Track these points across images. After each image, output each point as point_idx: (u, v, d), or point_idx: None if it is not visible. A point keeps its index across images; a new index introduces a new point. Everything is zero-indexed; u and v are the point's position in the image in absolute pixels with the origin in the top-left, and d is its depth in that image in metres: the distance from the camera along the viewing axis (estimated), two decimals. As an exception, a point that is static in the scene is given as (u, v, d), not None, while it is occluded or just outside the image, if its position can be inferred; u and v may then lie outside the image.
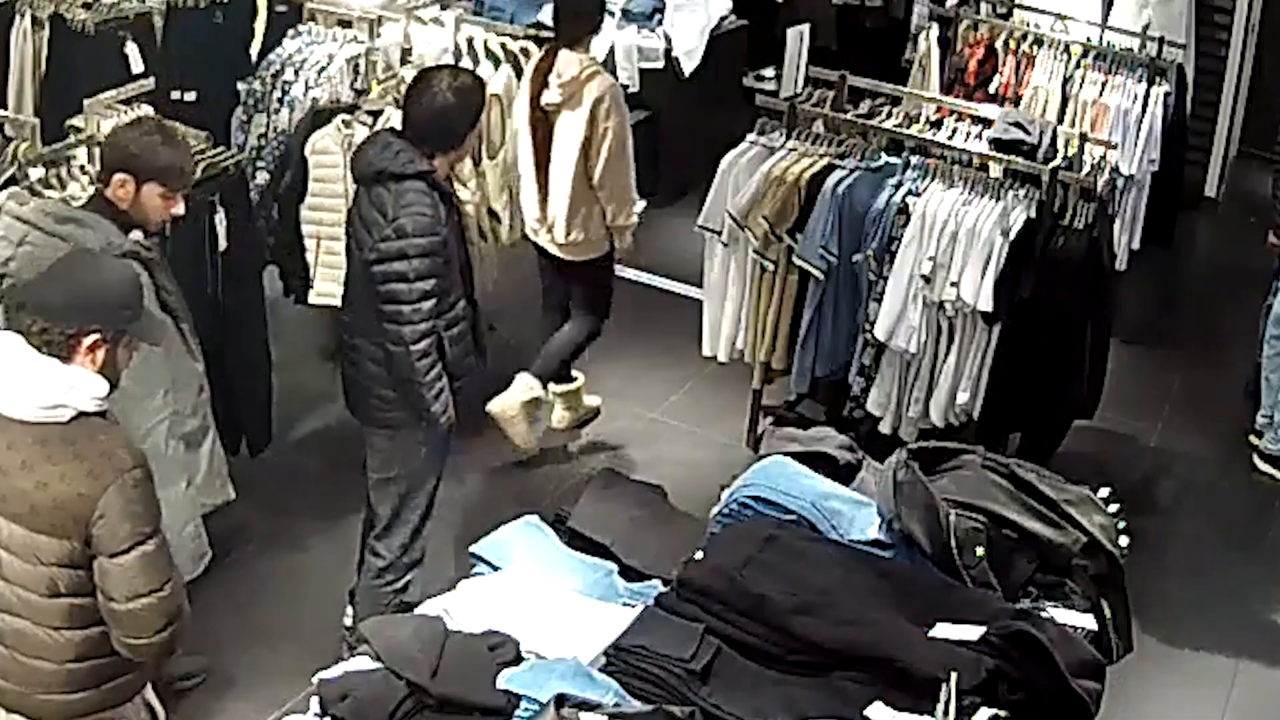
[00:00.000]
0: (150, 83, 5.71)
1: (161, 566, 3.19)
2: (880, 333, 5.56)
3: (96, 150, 5.04)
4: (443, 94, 4.27)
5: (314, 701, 3.24)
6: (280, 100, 6.17)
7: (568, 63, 5.70)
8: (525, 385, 5.91)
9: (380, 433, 4.51)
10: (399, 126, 4.45)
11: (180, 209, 4.09)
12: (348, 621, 4.87)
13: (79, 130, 5.19)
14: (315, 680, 3.27)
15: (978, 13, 8.06)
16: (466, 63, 6.36)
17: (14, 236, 4.07)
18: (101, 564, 3.13)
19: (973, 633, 3.23)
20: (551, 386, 6.13)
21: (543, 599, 3.56)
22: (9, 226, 4.10)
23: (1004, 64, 7.62)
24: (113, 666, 3.31)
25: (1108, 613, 3.55)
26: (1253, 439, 6.48)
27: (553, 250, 5.94)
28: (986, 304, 5.38)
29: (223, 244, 4.95)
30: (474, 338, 4.54)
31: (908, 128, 5.84)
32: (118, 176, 4.00)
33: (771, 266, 5.79)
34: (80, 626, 3.23)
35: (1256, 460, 6.42)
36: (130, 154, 3.98)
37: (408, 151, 4.23)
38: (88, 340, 3.14)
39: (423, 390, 4.30)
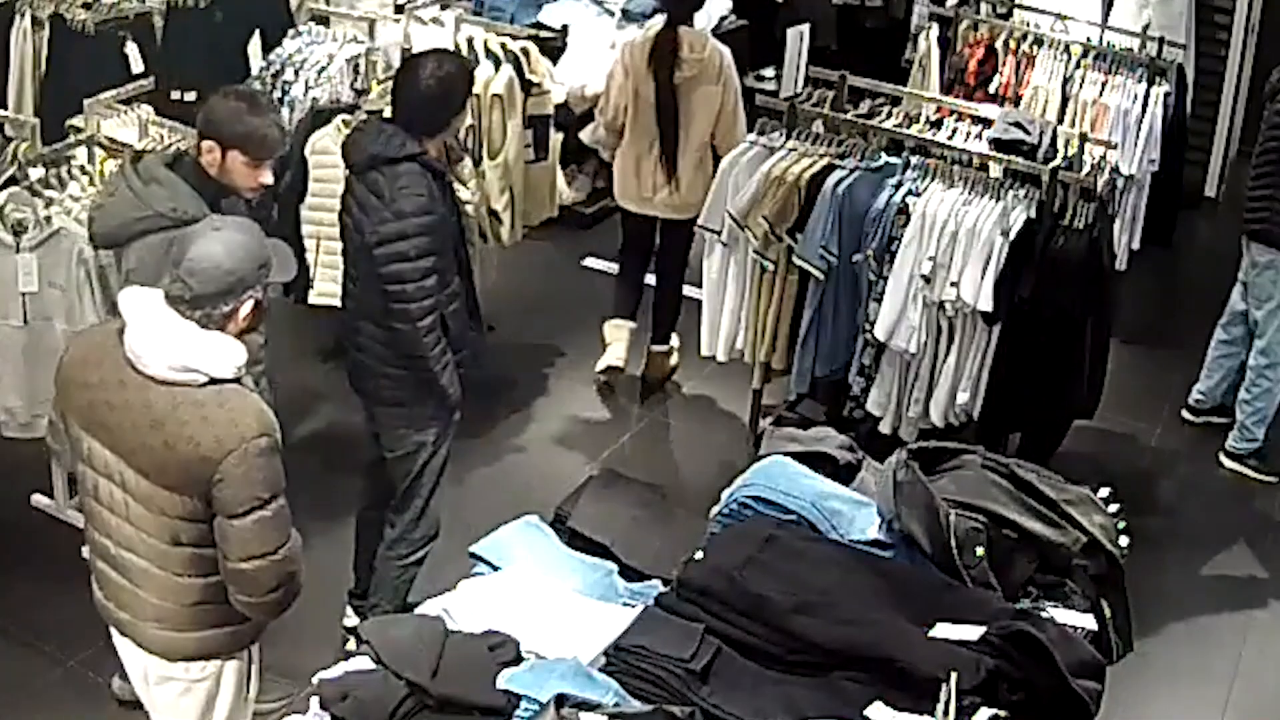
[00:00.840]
0: (150, 83, 5.73)
1: (278, 531, 3.30)
2: (880, 333, 5.56)
3: (96, 150, 5.06)
4: (426, 80, 4.37)
5: (314, 701, 3.24)
6: (280, 100, 6.17)
7: (693, 39, 6.17)
8: (670, 348, 6.68)
9: (390, 410, 4.60)
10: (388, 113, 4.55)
11: (268, 178, 4.15)
12: (348, 622, 4.87)
13: (79, 130, 5.20)
14: (315, 680, 3.27)
15: (978, 13, 8.05)
16: (467, 63, 6.37)
17: (110, 187, 4.24)
18: (220, 524, 3.26)
19: (973, 633, 3.23)
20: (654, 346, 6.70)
21: (543, 599, 3.56)
22: (113, 177, 4.25)
23: (1004, 64, 7.61)
24: (231, 614, 3.44)
25: (1108, 613, 3.55)
26: (1186, 414, 6.69)
27: (669, 214, 6.39)
28: (986, 304, 5.38)
29: (223, 244, 4.95)
30: (470, 310, 4.67)
31: (908, 128, 5.84)
32: (204, 143, 4.08)
33: (771, 266, 5.79)
34: (201, 575, 3.37)
35: (1223, 459, 6.43)
36: (214, 120, 4.05)
37: (399, 136, 4.33)
38: (245, 308, 3.30)
39: (431, 365, 4.43)
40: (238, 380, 3.30)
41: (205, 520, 3.29)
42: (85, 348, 3.42)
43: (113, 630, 3.62)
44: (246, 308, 3.31)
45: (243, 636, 3.57)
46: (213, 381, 3.24)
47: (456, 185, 5.92)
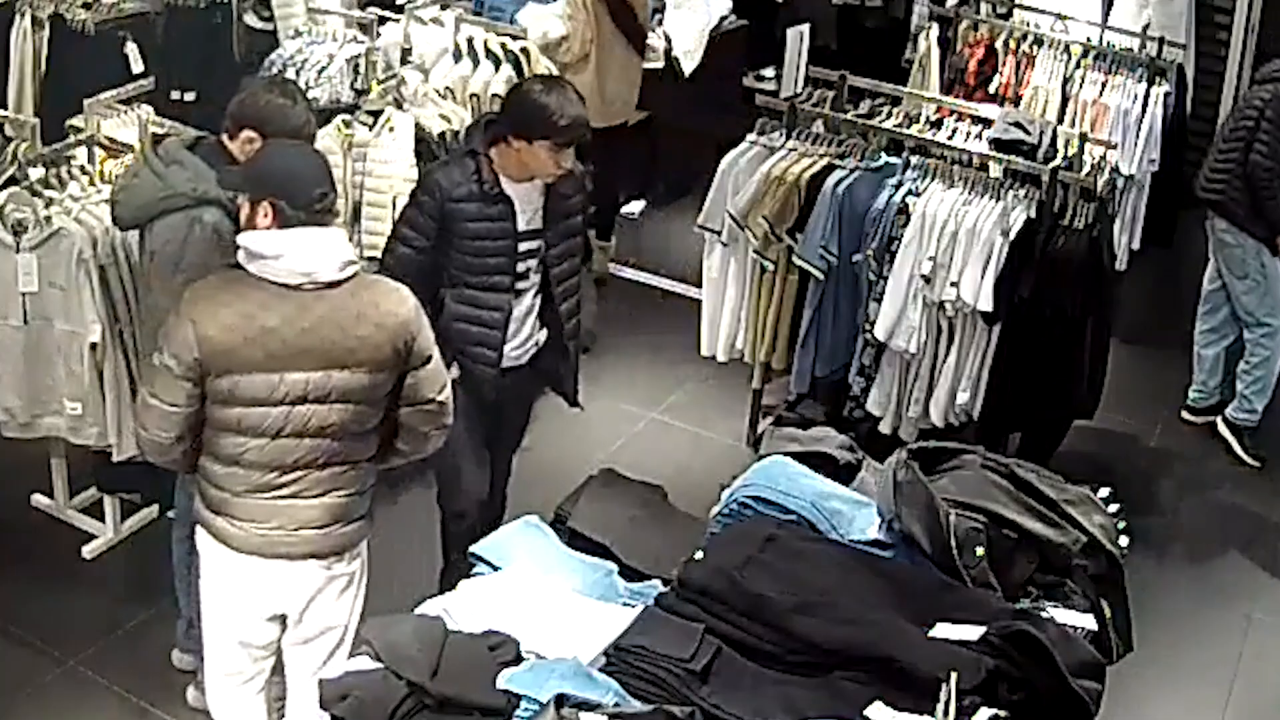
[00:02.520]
0: (150, 82, 5.72)
1: (443, 367, 3.81)
2: (880, 333, 5.56)
3: (96, 150, 5.06)
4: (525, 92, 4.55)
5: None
6: (280, 100, 6.16)
7: None
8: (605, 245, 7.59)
9: None
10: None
11: None
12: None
13: (79, 130, 5.20)
14: (316, 680, 3.27)
15: (978, 13, 8.05)
16: (467, 63, 6.37)
17: (132, 170, 4.38)
18: (416, 374, 3.68)
19: (973, 633, 3.23)
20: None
21: (543, 599, 3.56)
22: (136, 161, 4.41)
23: (1004, 64, 7.62)
24: (370, 501, 3.78)
25: (1108, 613, 3.55)
26: (1185, 414, 6.70)
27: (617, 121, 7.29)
28: (986, 304, 5.38)
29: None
30: (503, 336, 4.61)
31: (908, 128, 5.84)
32: (246, 133, 4.18)
33: (771, 266, 5.79)
34: (370, 459, 3.74)
35: (1219, 424, 6.55)
36: (264, 116, 4.17)
37: (478, 130, 4.59)
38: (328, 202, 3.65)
39: None
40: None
41: (395, 390, 3.67)
42: (228, 315, 3.49)
43: (272, 568, 3.67)
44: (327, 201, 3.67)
45: (365, 529, 3.82)
46: (358, 268, 3.64)
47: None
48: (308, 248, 3.52)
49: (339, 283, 3.54)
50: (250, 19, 7.25)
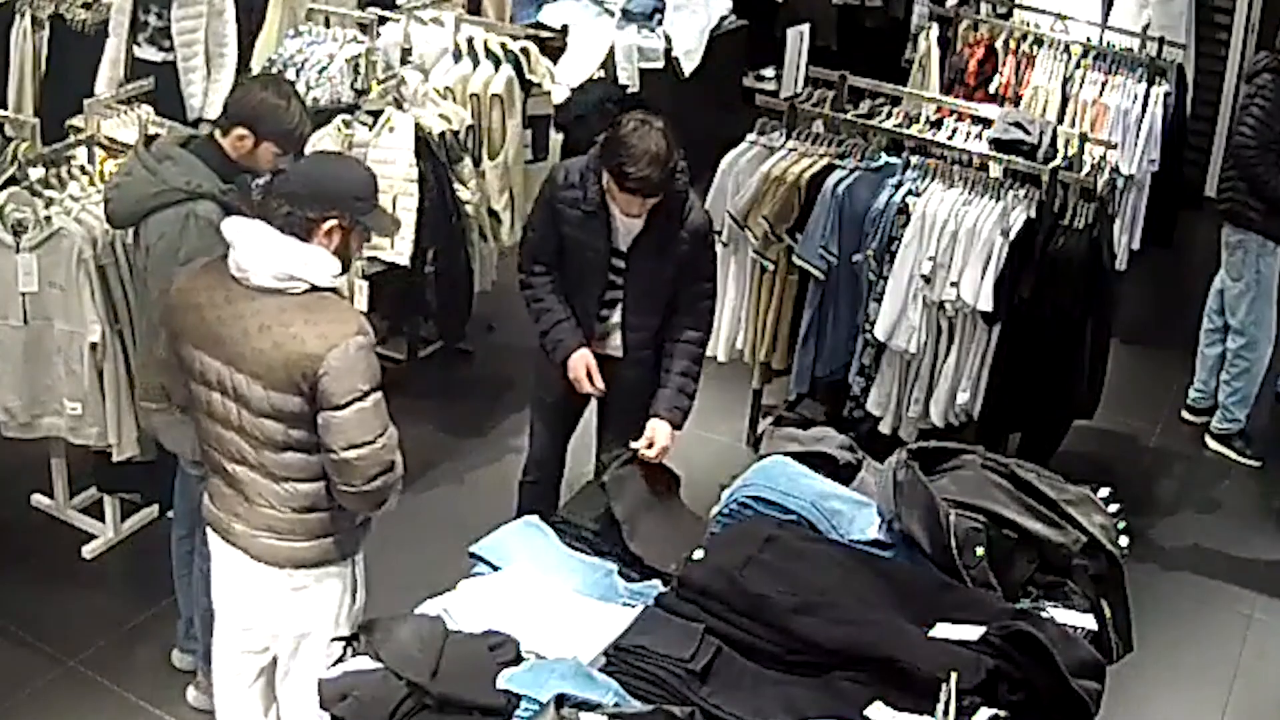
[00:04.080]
0: (150, 82, 5.71)
1: (377, 420, 3.52)
2: (880, 333, 5.56)
3: (96, 150, 5.06)
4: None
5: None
6: (280, 100, 6.16)
7: None
8: None
9: None
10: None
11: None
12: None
13: (79, 130, 5.19)
14: (316, 679, 3.27)
15: (978, 13, 8.05)
16: (466, 63, 6.37)
17: (125, 168, 4.35)
18: (324, 416, 3.47)
19: (973, 633, 3.23)
20: None
21: (543, 599, 3.56)
22: (130, 160, 4.35)
23: (1004, 64, 7.61)
24: (335, 522, 3.65)
25: (1108, 613, 3.55)
26: (1185, 414, 6.72)
27: None
28: (986, 304, 5.38)
29: (223, 244, 4.95)
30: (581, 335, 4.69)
31: (908, 128, 5.84)
32: (238, 130, 4.19)
33: (771, 266, 5.79)
34: (307, 479, 3.58)
35: (1208, 441, 6.55)
36: (256, 115, 4.18)
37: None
38: (326, 225, 3.53)
39: None
40: (335, 290, 3.56)
41: (309, 420, 3.49)
42: (191, 276, 3.66)
43: (217, 544, 3.78)
44: (328, 224, 3.52)
45: (346, 546, 3.72)
46: (313, 289, 3.50)
47: (457, 185, 5.96)
48: (248, 247, 3.51)
49: (277, 291, 3.48)
50: (145, 50, 6.55)
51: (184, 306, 3.61)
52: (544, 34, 7.42)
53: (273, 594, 3.73)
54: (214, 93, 6.53)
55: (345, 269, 3.62)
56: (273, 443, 3.55)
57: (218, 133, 4.25)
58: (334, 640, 3.59)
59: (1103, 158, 5.81)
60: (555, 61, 7.14)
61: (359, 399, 3.46)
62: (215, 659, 4.00)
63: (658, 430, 4.47)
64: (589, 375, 4.60)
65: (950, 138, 5.79)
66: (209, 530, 3.80)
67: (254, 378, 3.49)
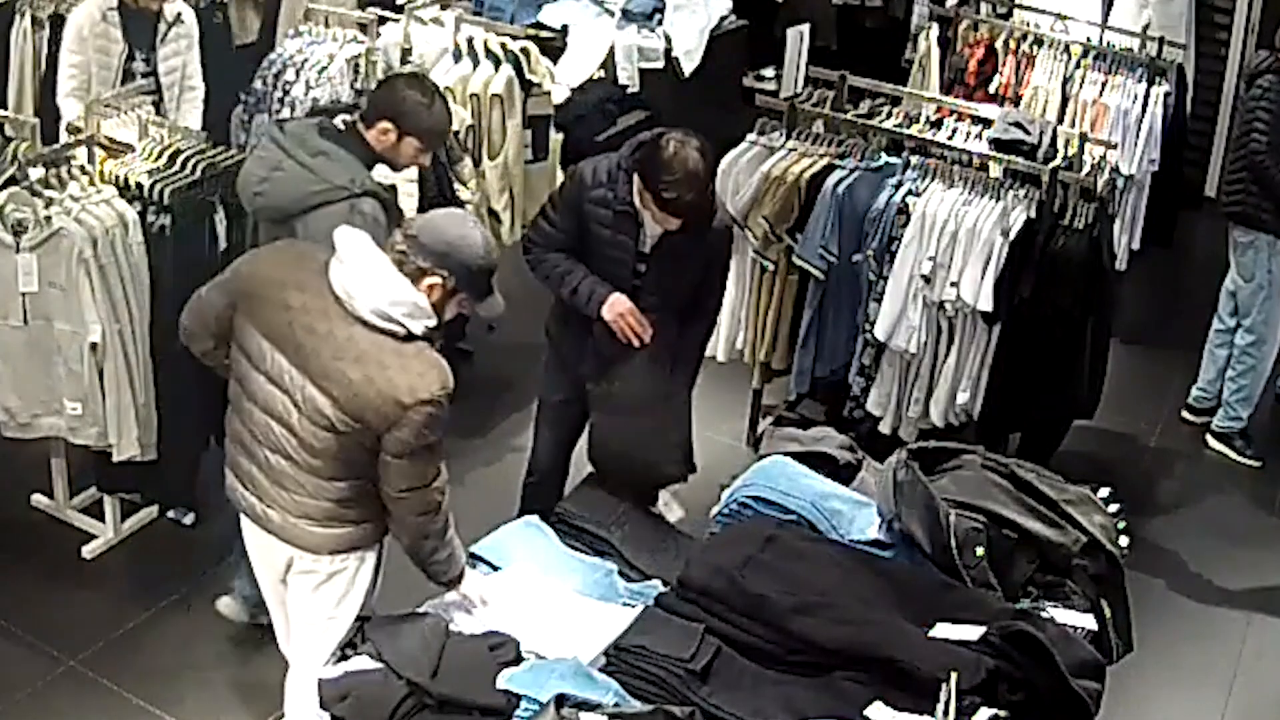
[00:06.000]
0: (150, 82, 5.71)
1: (431, 466, 3.55)
2: (880, 333, 5.56)
3: (96, 150, 5.06)
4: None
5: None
6: (280, 100, 6.17)
7: None
8: None
9: None
10: None
11: (428, 161, 4.64)
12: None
13: (79, 130, 5.19)
14: (317, 679, 3.27)
15: (978, 13, 8.05)
16: (466, 63, 6.37)
17: (271, 161, 4.30)
18: (383, 458, 3.51)
19: (973, 633, 3.23)
20: None
21: (543, 599, 3.57)
22: (268, 150, 4.33)
23: (1004, 64, 7.61)
24: (369, 511, 3.66)
25: (1108, 613, 3.55)
26: (1186, 414, 6.70)
27: None
28: (986, 304, 5.38)
29: (223, 244, 4.96)
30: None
31: (908, 128, 5.84)
32: (382, 124, 4.29)
33: (771, 266, 5.79)
34: (346, 478, 3.60)
35: (1209, 439, 6.55)
36: (400, 111, 4.29)
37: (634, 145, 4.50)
38: (429, 280, 3.50)
39: None
40: (429, 340, 3.54)
41: (369, 448, 3.51)
42: (283, 268, 3.62)
43: (248, 525, 3.82)
44: (431, 280, 3.50)
45: (377, 532, 3.74)
46: (411, 336, 3.49)
47: (457, 185, 5.96)
48: (360, 272, 3.48)
49: (373, 326, 3.47)
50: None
51: (273, 302, 3.57)
52: (544, 34, 7.42)
53: (303, 578, 3.76)
54: (188, 121, 6.22)
55: (439, 325, 3.59)
56: (323, 452, 3.56)
57: (360, 124, 4.33)
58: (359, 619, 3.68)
59: (1103, 158, 5.81)
60: (555, 61, 7.14)
61: (422, 452, 3.49)
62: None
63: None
64: (632, 317, 4.46)
65: (950, 138, 5.79)
66: (241, 516, 3.83)
67: (329, 395, 3.48)
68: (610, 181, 4.43)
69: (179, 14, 6.06)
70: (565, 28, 7.79)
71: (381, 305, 3.45)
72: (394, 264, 3.49)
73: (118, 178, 4.90)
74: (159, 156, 5.00)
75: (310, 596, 3.77)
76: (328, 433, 3.51)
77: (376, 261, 3.49)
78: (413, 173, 5.61)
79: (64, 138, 5.21)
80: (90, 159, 5.02)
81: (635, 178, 4.32)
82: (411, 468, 3.50)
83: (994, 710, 3.07)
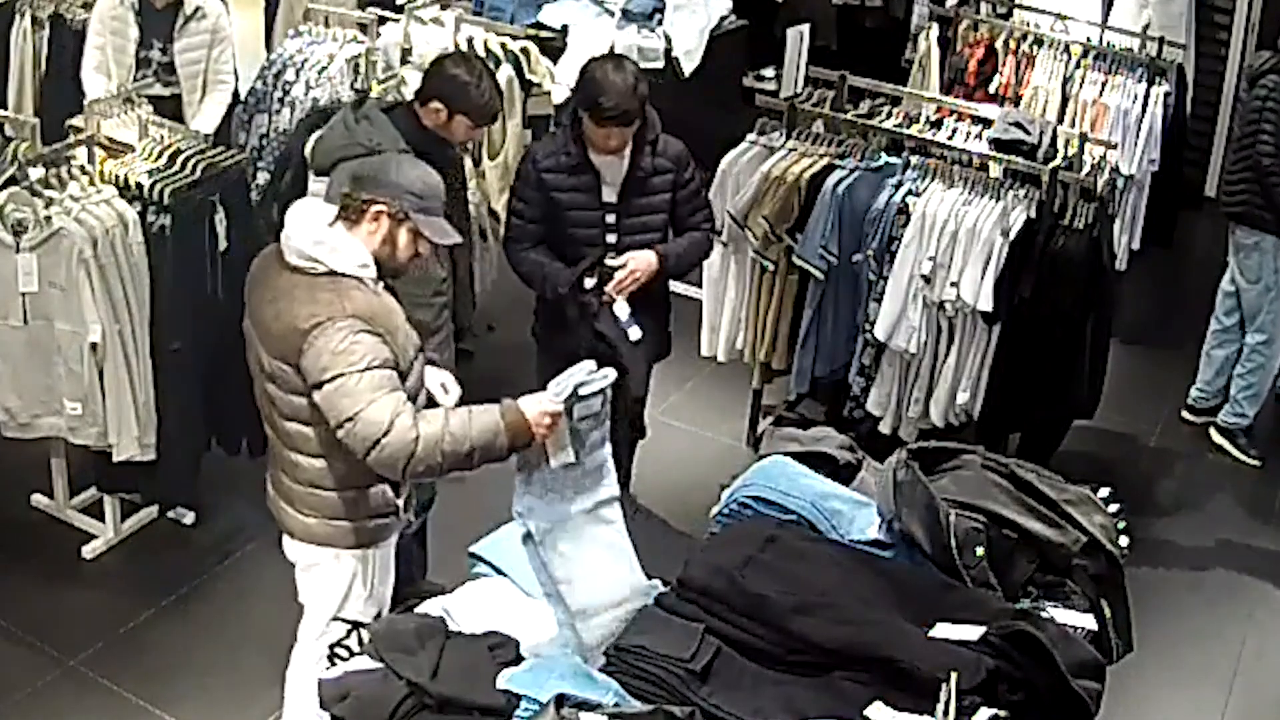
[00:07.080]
0: (150, 82, 5.71)
1: (356, 400, 3.44)
2: (880, 333, 5.56)
3: (96, 150, 5.06)
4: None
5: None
6: (280, 100, 6.17)
7: None
8: None
9: None
10: None
11: (482, 135, 4.98)
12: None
13: (79, 130, 5.20)
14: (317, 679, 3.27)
15: (978, 13, 8.05)
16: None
17: (334, 120, 4.76)
18: (316, 393, 3.51)
19: (973, 633, 3.23)
20: None
21: (543, 599, 3.56)
22: (341, 114, 4.75)
23: (1004, 64, 7.61)
24: (345, 507, 3.71)
25: (1108, 613, 3.55)
26: (1185, 414, 6.69)
27: None
28: (986, 304, 5.38)
29: (223, 244, 4.96)
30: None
31: (908, 128, 5.84)
32: (433, 104, 4.62)
33: (771, 266, 5.79)
34: (305, 454, 3.66)
35: (1212, 433, 6.56)
36: (448, 91, 4.58)
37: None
38: (375, 208, 3.57)
39: None
40: (360, 281, 3.54)
41: (303, 392, 3.54)
42: (260, 256, 3.75)
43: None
44: (376, 208, 3.56)
45: (353, 538, 3.76)
46: (332, 274, 3.52)
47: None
48: (291, 220, 3.60)
49: (295, 267, 3.55)
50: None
51: (249, 288, 3.72)
52: (544, 34, 7.42)
53: (299, 568, 3.88)
54: (207, 113, 6.33)
55: (395, 274, 3.65)
56: (278, 410, 3.65)
57: (416, 103, 4.65)
58: (335, 620, 3.69)
59: (1103, 158, 5.81)
60: (555, 61, 7.14)
61: (338, 378, 3.45)
62: None
63: (637, 255, 4.68)
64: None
65: (950, 138, 5.79)
66: None
67: (263, 345, 3.60)
68: (559, 148, 4.68)
69: (198, 8, 6.12)
70: (565, 28, 7.79)
71: (304, 246, 3.53)
72: (341, 207, 3.57)
73: (118, 178, 4.90)
74: (159, 156, 5.00)
75: (300, 582, 3.90)
76: (274, 386, 3.60)
77: (311, 207, 3.63)
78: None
79: (83, 119, 5.23)
80: (90, 159, 5.03)
81: (581, 117, 4.57)
82: (337, 396, 3.45)
83: (994, 710, 3.07)
